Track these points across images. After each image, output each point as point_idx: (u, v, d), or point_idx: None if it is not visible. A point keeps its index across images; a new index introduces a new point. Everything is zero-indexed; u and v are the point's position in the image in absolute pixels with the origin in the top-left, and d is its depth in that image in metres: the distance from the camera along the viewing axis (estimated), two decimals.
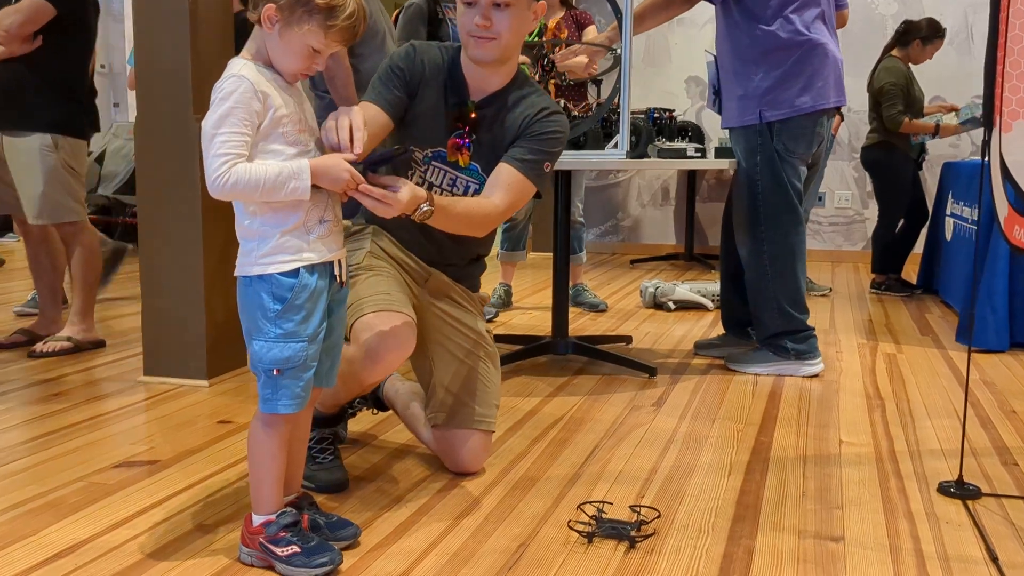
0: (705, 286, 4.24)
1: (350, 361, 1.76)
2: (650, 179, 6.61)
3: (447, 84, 1.93)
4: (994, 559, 1.59)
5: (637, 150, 2.87)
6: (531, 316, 4.01)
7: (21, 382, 2.77)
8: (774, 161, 2.84)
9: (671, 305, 4.16)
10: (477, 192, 1.93)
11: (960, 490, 1.89)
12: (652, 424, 2.39)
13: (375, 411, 2.20)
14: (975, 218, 3.78)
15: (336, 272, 1.55)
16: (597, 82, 3.42)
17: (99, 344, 3.21)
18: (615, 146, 2.79)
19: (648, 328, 3.74)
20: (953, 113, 4.82)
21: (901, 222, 4.80)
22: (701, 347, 3.24)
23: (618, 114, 2.97)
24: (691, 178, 6.25)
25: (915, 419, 2.45)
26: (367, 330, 1.75)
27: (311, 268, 1.50)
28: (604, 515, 1.74)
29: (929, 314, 4.15)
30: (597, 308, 4.11)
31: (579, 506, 1.81)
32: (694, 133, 3.67)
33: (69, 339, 3.14)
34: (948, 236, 4.45)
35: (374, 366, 1.75)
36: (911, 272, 4.99)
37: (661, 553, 1.61)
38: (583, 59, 3.27)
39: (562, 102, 3.02)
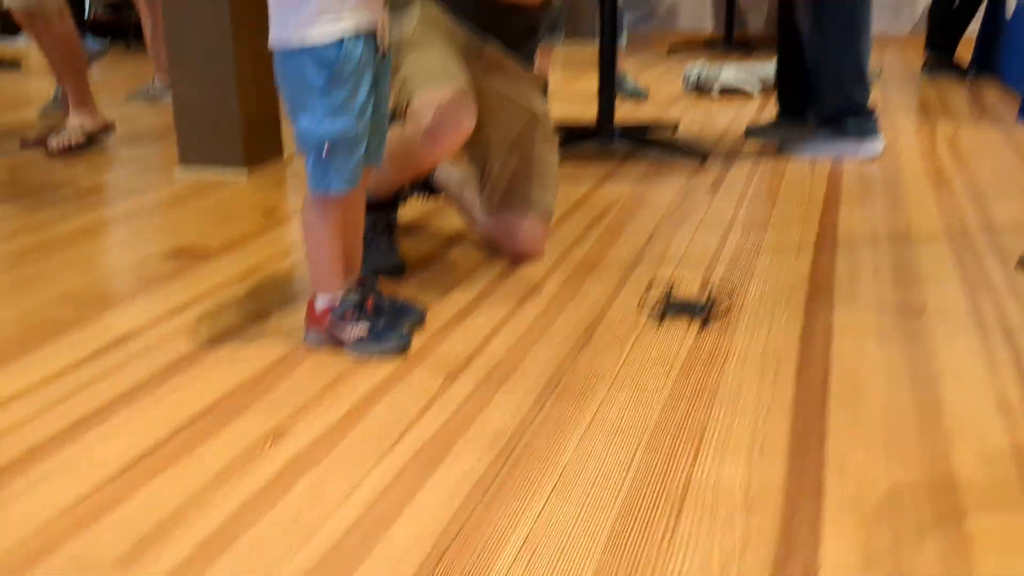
0: (752, 69, 4.02)
1: (407, 141, 1.65)
2: None
3: None
4: None
5: None
6: (569, 107, 3.85)
7: (50, 181, 2.69)
8: None
9: (715, 93, 3.97)
10: None
11: None
12: (711, 207, 2.30)
13: (426, 196, 2.11)
14: None
15: (379, 40, 1.41)
16: None
17: (109, 127, 3.09)
18: None
19: (693, 115, 3.58)
20: None
21: None
22: (753, 132, 3.10)
23: None
24: None
25: (984, 197, 2.34)
26: (425, 107, 1.64)
27: (355, 36, 1.36)
28: (674, 294, 1.68)
29: (986, 96, 3.94)
30: (639, 95, 3.93)
31: (647, 288, 1.75)
32: None
33: (81, 127, 3.02)
34: (1009, 13, 4.17)
35: (434, 146, 1.65)
36: (964, 54, 4.72)
37: (736, 331, 1.56)
38: None
39: None
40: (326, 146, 1.38)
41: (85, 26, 5.72)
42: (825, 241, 2.02)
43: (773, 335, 1.54)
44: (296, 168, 2.78)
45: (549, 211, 1.91)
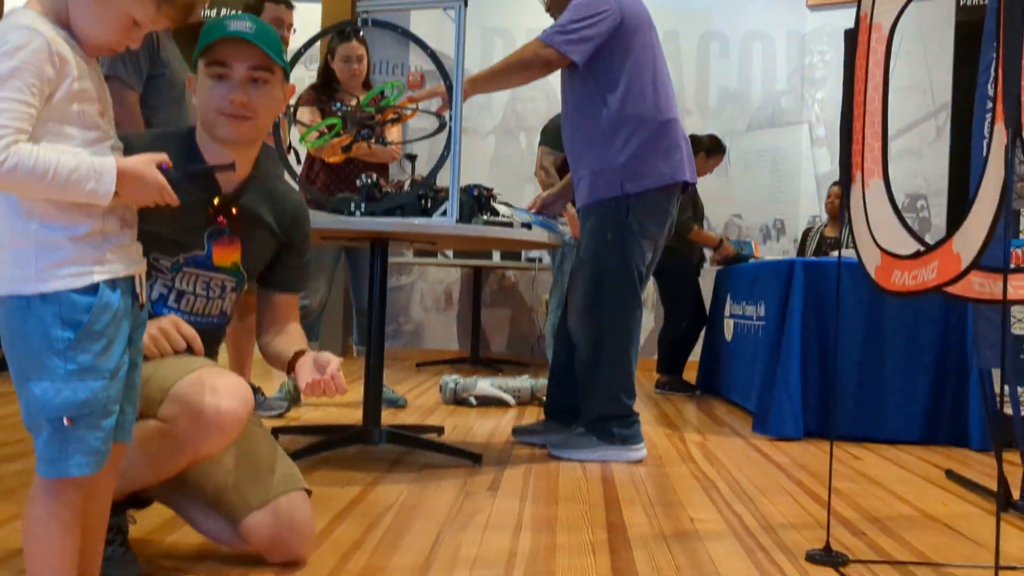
0: (506, 382, 4.11)
1: (169, 433, 1.42)
2: (433, 283, 6.50)
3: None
4: None
5: (463, 219, 2.73)
6: (324, 412, 3.68)
7: None
8: (626, 240, 2.78)
9: (473, 400, 3.98)
10: (235, 290, 1.73)
11: (829, 557, 1.81)
12: (493, 508, 2.16)
13: (131, 514, 1.71)
14: (761, 313, 3.96)
15: (138, 290, 1.23)
16: (412, 157, 3.27)
17: None
18: (443, 214, 2.63)
19: (455, 422, 3.52)
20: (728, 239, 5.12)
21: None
22: (521, 432, 3.07)
23: (433, 191, 2.84)
24: (476, 282, 6.21)
25: (751, 497, 2.40)
26: (195, 388, 1.43)
27: (112, 283, 1.17)
28: None
29: (716, 410, 4.25)
30: (397, 404, 3.85)
31: None
32: None
33: None
34: (728, 337, 4.65)
35: (220, 430, 1.43)
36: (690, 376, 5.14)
37: None
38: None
39: (375, 175, 2.84)
40: (64, 420, 1.13)
41: None
42: (618, 541, 1.92)
43: None
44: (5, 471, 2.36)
45: (306, 486, 1.68)
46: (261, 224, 1.73)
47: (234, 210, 1.66)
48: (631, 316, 2.81)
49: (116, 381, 1.18)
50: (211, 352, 1.73)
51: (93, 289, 1.15)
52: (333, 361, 1.63)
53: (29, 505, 1.17)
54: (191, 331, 1.58)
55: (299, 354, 1.70)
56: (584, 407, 2.87)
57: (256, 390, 3.53)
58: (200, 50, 1.60)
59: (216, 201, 1.64)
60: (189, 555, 1.72)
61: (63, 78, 1.13)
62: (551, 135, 4.31)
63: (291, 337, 1.80)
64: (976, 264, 1.34)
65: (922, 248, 1.56)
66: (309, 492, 1.70)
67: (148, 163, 1.19)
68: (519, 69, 2.79)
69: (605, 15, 2.76)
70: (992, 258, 1.54)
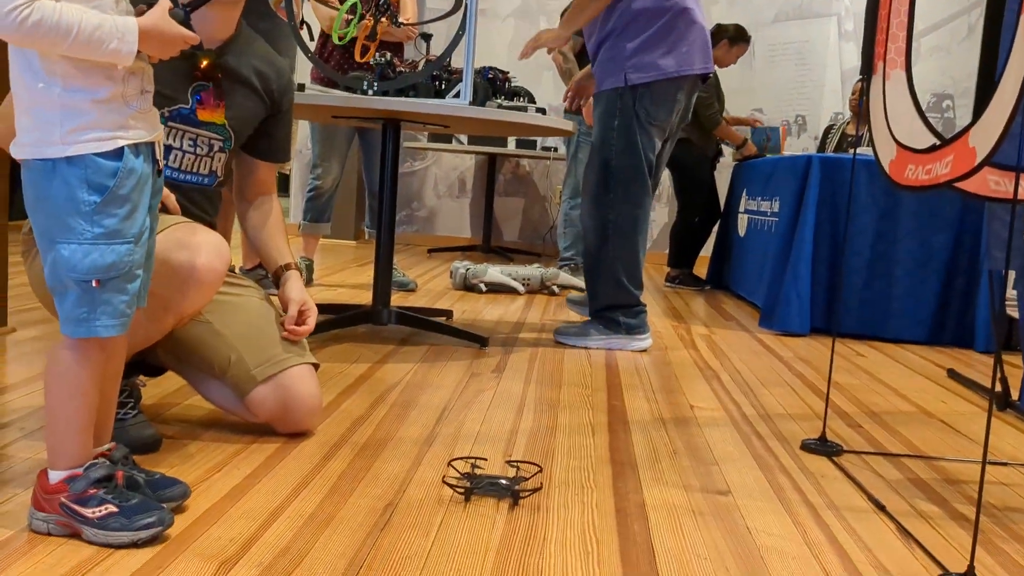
0: (516, 270, 4.13)
1: (151, 292, 1.44)
2: (447, 170, 6.46)
3: None
4: (881, 507, 1.54)
5: (476, 102, 2.69)
6: (336, 292, 3.72)
7: None
8: (632, 126, 2.75)
9: (482, 287, 4.01)
10: (223, 150, 1.74)
11: (824, 447, 1.86)
12: (498, 388, 2.20)
13: (143, 380, 1.78)
14: (775, 209, 3.93)
15: (157, 156, 1.24)
16: (427, 37, 3.20)
17: None
18: (456, 96, 2.59)
19: (463, 307, 3.56)
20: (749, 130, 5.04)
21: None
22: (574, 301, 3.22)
23: (447, 72, 2.79)
24: (490, 170, 6.17)
25: (752, 388, 2.43)
26: (167, 246, 1.43)
27: (135, 149, 1.17)
28: (479, 471, 1.53)
29: (725, 304, 4.27)
30: (407, 287, 3.89)
31: (449, 462, 1.59)
32: (528, 98, 3.55)
33: None
34: (742, 232, 4.63)
35: (197, 285, 1.45)
36: (700, 271, 5.15)
37: (549, 510, 1.42)
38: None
39: (388, 54, 2.79)
40: (92, 282, 1.15)
41: None
42: (617, 423, 1.97)
43: (587, 515, 1.41)
44: (20, 337, 2.41)
45: (312, 360, 1.72)
46: (246, 83, 1.74)
47: (216, 66, 1.67)
48: (639, 204, 2.80)
49: (140, 246, 1.19)
50: (210, 213, 1.75)
51: (118, 154, 1.15)
52: (310, 321, 1.72)
53: (52, 364, 1.20)
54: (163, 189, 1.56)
55: (285, 269, 1.79)
56: (591, 296, 2.89)
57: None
58: None
59: (199, 57, 1.64)
60: (199, 422, 1.77)
61: None
62: None
63: (273, 229, 1.85)
64: (990, 159, 1.32)
65: (938, 142, 1.53)
66: (317, 366, 1.74)
67: (163, 15, 1.17)
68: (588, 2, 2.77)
69: None
70: (1008, 156, 1.51)
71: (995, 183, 1.74)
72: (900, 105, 1.70)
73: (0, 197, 2.41)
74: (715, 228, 5.05)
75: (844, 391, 2.47)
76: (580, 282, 4.11)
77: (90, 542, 1.18)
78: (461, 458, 1.62)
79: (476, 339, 2.72)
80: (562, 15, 4.47)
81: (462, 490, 1.45)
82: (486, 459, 1.63)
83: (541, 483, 1.52)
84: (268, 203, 1.87)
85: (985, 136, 1.34)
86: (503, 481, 1.47)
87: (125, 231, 1.16)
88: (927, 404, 2.39)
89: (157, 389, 1.97)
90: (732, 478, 1.65)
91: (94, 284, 1.15)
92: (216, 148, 1.73)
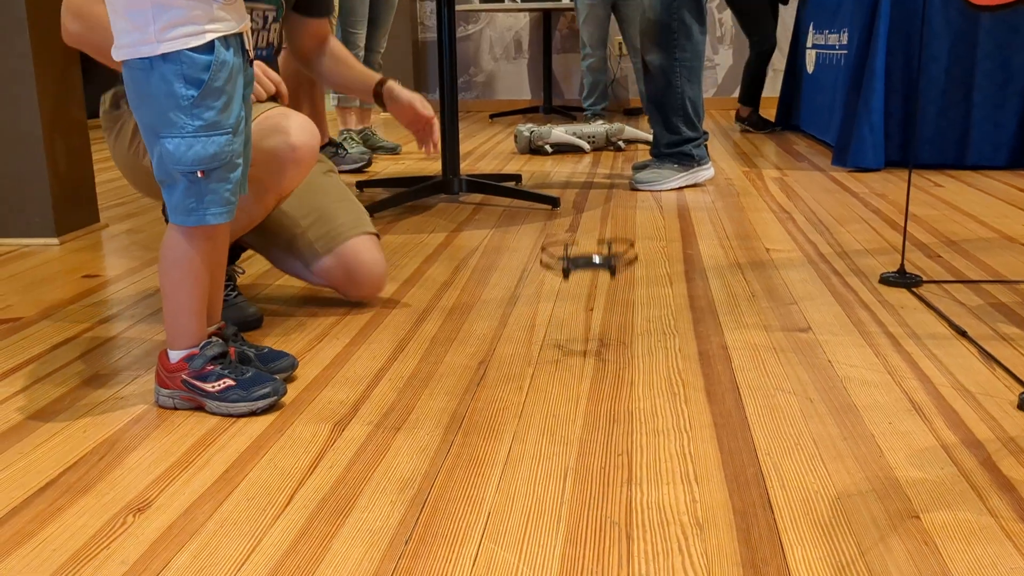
0: (580, 128, 4.10)
1: (251, 177, 1.50)
2: (502, 31, 6.34)
3: None
4: (963, 333, 1.56)
5: None
6: (404, 165, 3.76)
7: None
8: None
9: (548, 148, 4.01)
10: (275, 20, 1.76)
11: (903, 279, 1.87)
12: (574, 248, 2.25)
13: (239, 267, 1.84)
14: (844, 42, 3.79)
15: (247, 46, 1.27)
16: None
17: None
18: None
19: (531, 169, 3.57)
20: None
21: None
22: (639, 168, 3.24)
23: None
24: (546, 28, 6.03)
25: (827, 226, 2.43)
26: (263, 132, 1.49)
27: (225, 41, 1.21)
28: (573, 247, 1.60)
29: (796, 145, 4.19)
30: (394, 151, 4.05)
31: (543, 247, 1.66)
32: None
33: None
34: (810, 69, 4.48)
35: (295, 165, 1.51)
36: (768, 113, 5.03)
37: (633, 357, 1.48)
38: None
39: None
40: (198, 172, 1.21)
41: None
42: (693, 271, 2.00)
43: (671, 359, 1.47)
44: (113, 231, 2.52)
45: (372, 230, 1.78)
46: None
47: None
48: (700, 39, 2.89)
49: (238, 136, 1.24)
50: None
51: (209, 47, 1.18)
52: (435, 123, 1.81)
53: (166, 252, 1.27)
54: (276, 75, 1.62)
55: (382, 84, 1.88)
56: (661, 136, 2.94)
57: (338, 145, 3.62)
58: None
59: None
60: (291, 299, 1.87)
61: None
62: None
63: (350, 60, 1.95)
64: None
65: None
66: (378, 236, 1.79)
67: None
68: None
69: None
70: None
71: None
72: None
73: (77, 96, 2.48)
74: (769, 65, 4.87)
75: (922, 222, 2.44)
76: (645, 134, 4.07)
77: (213, 413, 1.28)
78: (554, 243, 1.68)
79: (548, 200, 2.75)
80: None
81: (561, 268, 1.50)
82: (576, 244, 1.68)
83: (636, 255, 1.58)
84: (331, 45, 1.96)
85: None
86: (597, 259, 1.53)
87: (223, 122, 1.21)
88: (1009, 229, 2.35)
89: (248, 272, 2.06)
90: (811, 315, 1.68)
91: (199, 175, 1.21)
92: (271, 19, 1.75)
